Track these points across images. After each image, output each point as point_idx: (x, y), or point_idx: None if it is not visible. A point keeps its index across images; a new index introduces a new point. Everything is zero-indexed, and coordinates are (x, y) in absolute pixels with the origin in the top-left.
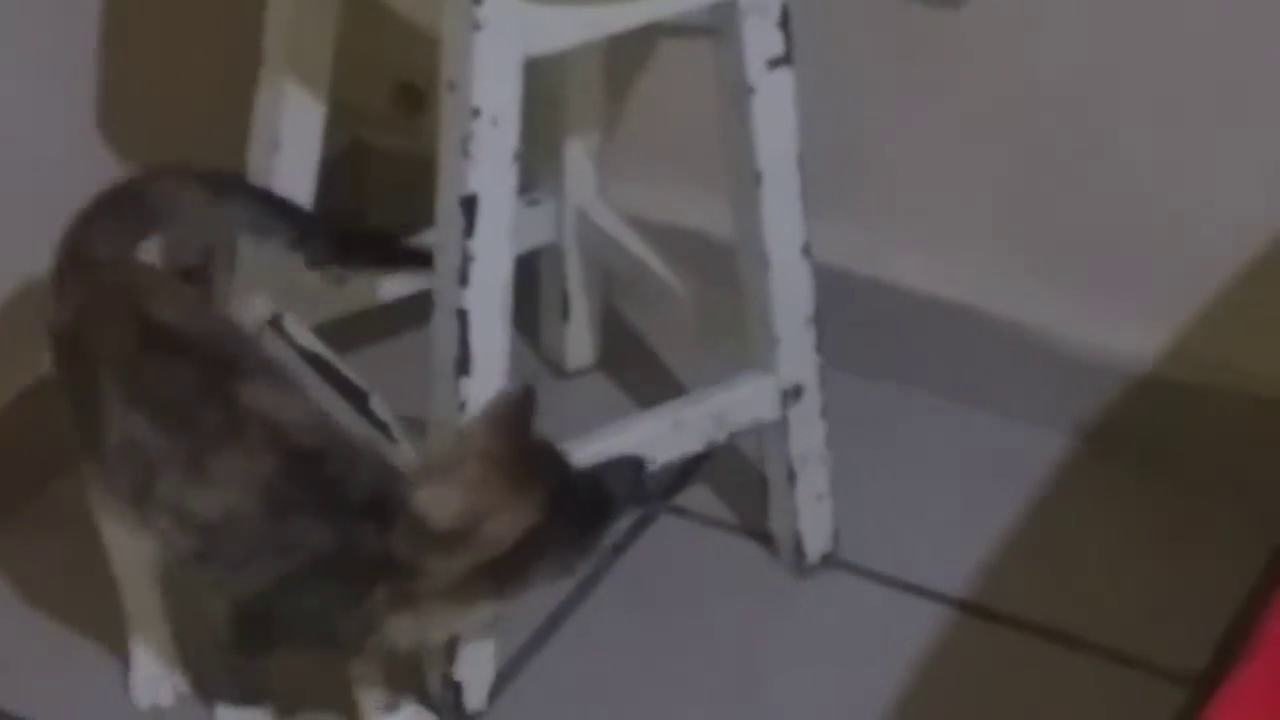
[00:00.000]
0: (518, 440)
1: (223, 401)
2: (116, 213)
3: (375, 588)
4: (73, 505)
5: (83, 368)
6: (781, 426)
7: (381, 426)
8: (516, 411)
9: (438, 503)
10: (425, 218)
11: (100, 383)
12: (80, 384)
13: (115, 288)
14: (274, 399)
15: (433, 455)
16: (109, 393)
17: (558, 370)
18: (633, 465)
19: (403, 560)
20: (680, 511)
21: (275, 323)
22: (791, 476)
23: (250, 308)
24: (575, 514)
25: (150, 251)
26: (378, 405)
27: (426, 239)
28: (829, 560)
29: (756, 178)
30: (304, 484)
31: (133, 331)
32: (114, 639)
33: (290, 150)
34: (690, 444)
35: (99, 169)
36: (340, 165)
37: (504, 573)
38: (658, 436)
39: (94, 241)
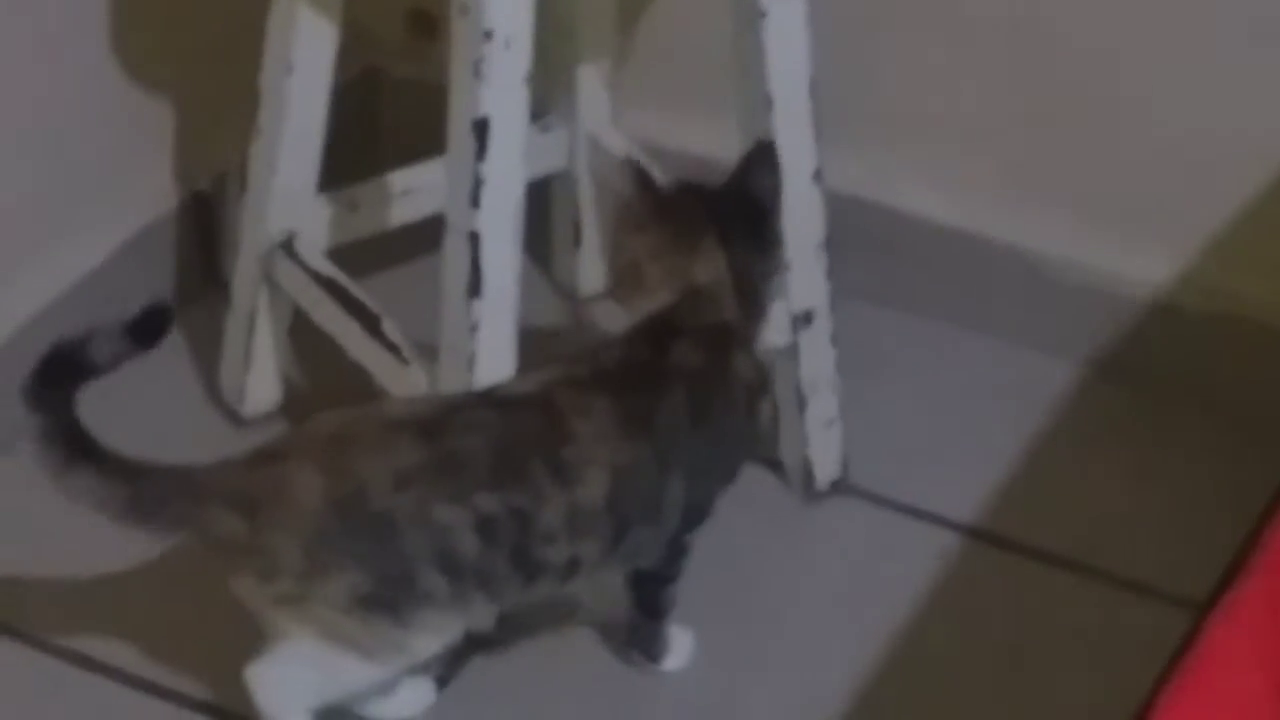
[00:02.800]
0: (665, 200)
1: None
2: None
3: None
4: None
5: None
6: (792, 352)
7: (393, 349)
8: (641, 180)
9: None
10: (438, 144)
11: None
12: None
13: None
14: None
15: (615, 268)
16: None
17: (570, 296)
18: (764, 151)
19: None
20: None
21: (288, 246)
22: (801, 402)
23: (263, 230)
24: (748, 225)
25: (163, 171)
26: (390, 328)
27: (439, 166)
28: (838, 486)
29: (768, 103)
30: None
31: None
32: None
33: (303, 74)
34: None
35: (110, 95)
36: (353, 92)
37: (745, 302)
38: None
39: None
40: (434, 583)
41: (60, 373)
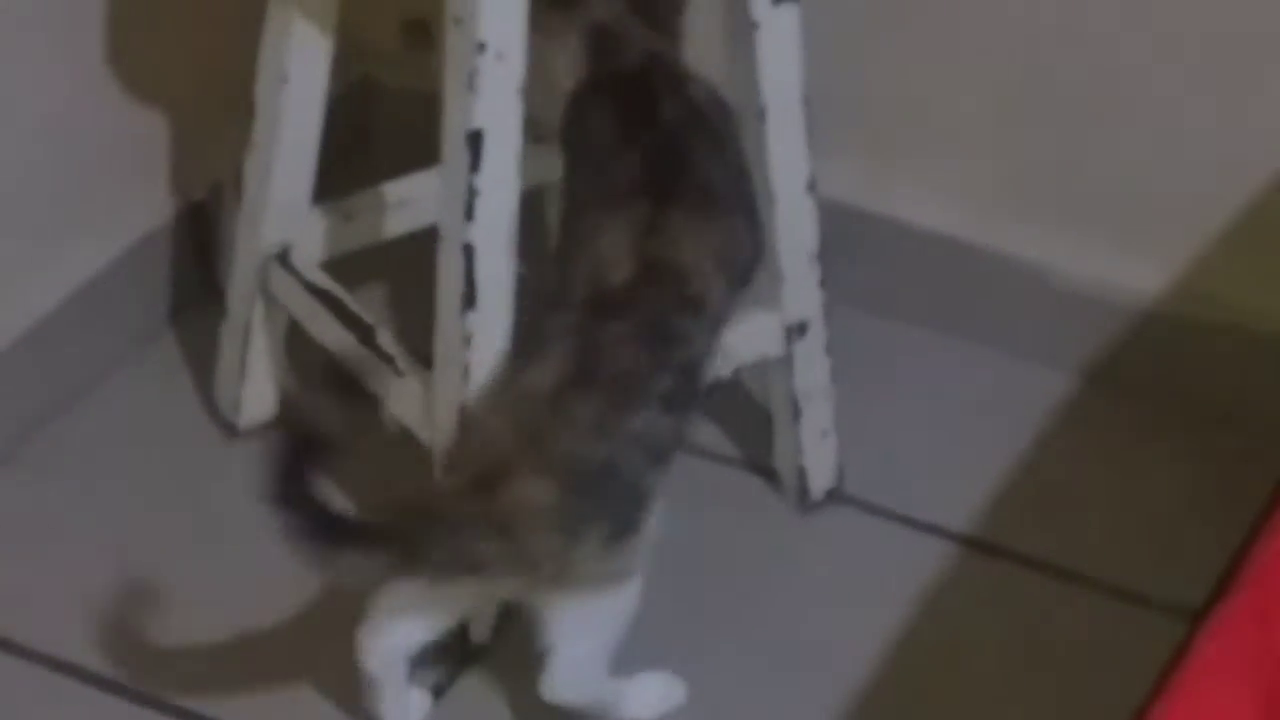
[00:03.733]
0: None
1: None
2: None
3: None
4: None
5: None
6: (786, 362)
7: (388, 360)
8: None
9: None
10: (431, 154)
11: None
12: None
13: None
14: None
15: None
16: None
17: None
18: None
19: None
20: (685, 447)
21: (283, 257)
22: (796, 412)
23: (258, 242)
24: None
25: (159, 182)
26: (384, 339)
27: (433, 176)
28: (833, 496)
29: (761, 114)
30: None
31: None
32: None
33: (298, 85)
34: None
35: (105, 107)
36: (347, 102)
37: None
38: None
39: None
40: (653, 478)
41: (298, 463)
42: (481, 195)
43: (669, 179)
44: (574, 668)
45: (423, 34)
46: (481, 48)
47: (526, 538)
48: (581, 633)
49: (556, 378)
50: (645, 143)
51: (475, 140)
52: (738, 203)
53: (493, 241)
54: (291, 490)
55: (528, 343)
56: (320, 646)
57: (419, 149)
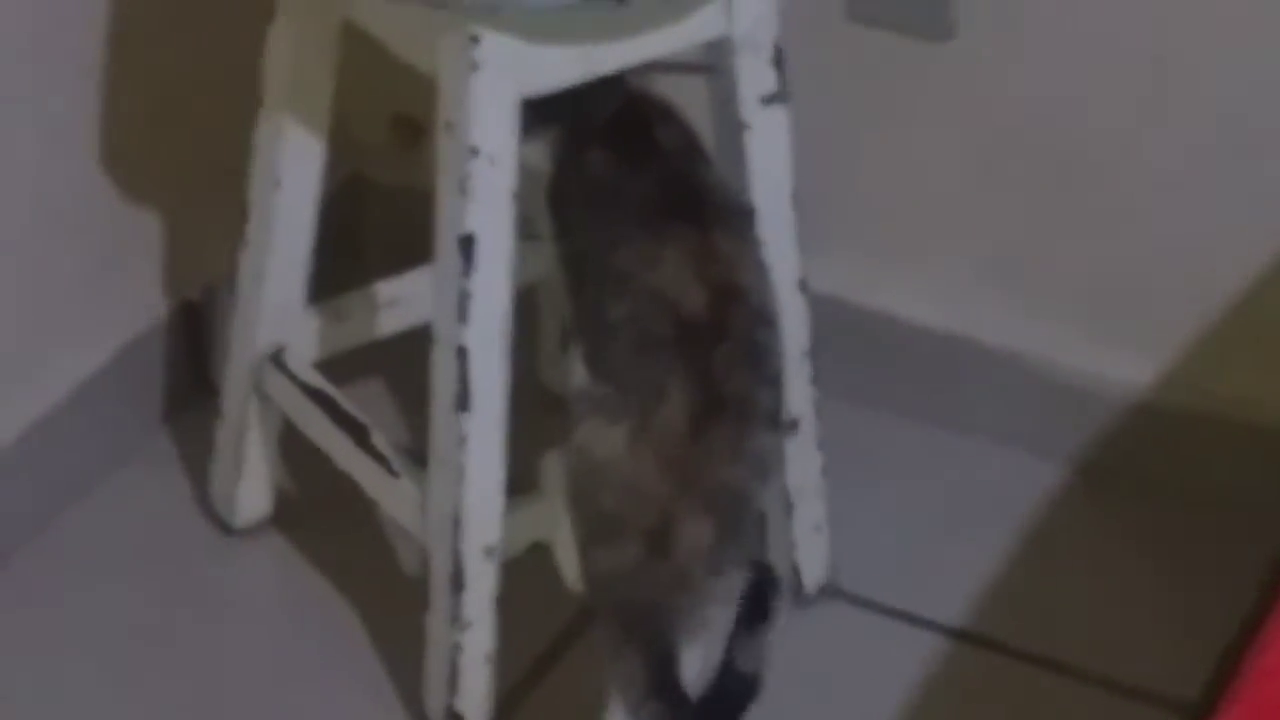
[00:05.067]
0: None
1: None
2: None
3: None
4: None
5: None
6: (780, 460)
7: (382, 460)
8: None
9: None
10: (423, 250)
11: None
12: None
13: None
14: None
15: None
16: None
17: (558, 401)
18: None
19: None
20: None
21: (277, 358)
22: (789, 508)
23: (252, 343)
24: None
25: (153, 282)
26: (378, 440)
27: (424, 275)
28: (826, 590)
29: (751, 209)
30: None
31: None
32: None
33: (291, 188)
34: None
35: (99, 206)
36: (338, 199)
37: None
38: None
39: None
40: (763, 502)
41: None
42: (474, 298)
43: (698, 203)
44: None
45: (412, 130)
46: (474, 152)
47: (702, 584)
48: None
49: (689, 410)
50: (656, 170)
51: (467, 244)
52: (751, 217)
53: (486, 343)
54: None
55: (604, 381)
56: None
57: (411, 245)
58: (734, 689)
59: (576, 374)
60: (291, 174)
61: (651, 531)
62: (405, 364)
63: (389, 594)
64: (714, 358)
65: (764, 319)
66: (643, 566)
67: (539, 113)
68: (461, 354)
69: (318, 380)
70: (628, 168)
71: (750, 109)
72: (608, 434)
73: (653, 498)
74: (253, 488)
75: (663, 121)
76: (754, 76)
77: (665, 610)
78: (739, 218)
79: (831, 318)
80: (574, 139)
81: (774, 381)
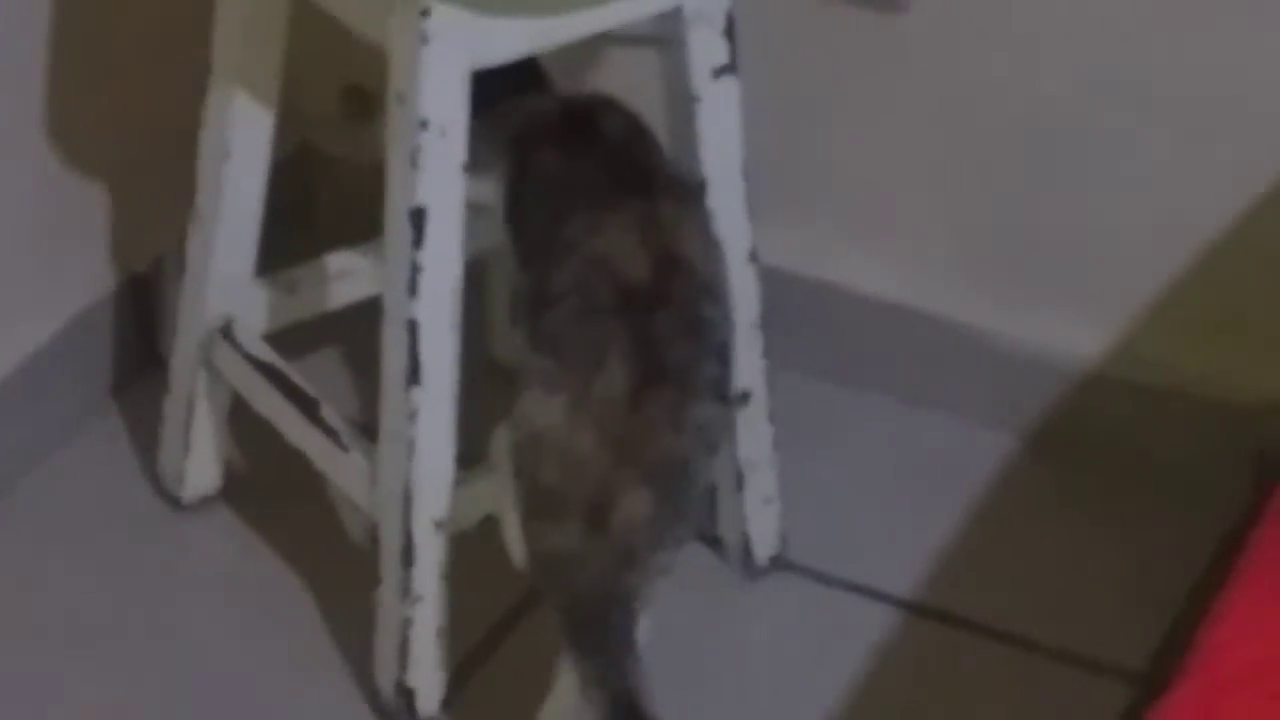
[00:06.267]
0: None
1: None
2: None
3: None
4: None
5: None
6: (729, 432)
7: (332, 434)
8: None
9: None
10: (374, 222)
11: None
12: None
13: None
14: None
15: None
16: None
17: (508, 374)
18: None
19: None
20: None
21: (226, 330)
22: (740, 480)
23: (200, 316)
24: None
25: (101, 254)
26: (328, 414)
27: (375, 248)
28: (777, 562)
29: (702, 186)
30: None
31: None
32: None
33: (240, 160)
34: None
35: (45, 181)
36: (287, 169)
37: None
38: None
39: None
40: (709, 474)
41: None
42: (425, 271)
43: (645, 178)
44: None
45: (363, 102)
46: (424, 124)
47: (645, 557)
48: None
49: (628, 381)
50: (602, 155)
51: (418, 217)
52: (699, 195)
53: (437, 317)
54: None
55: (546, 352)
56: (277, 711)
57: (361, 217)
58: None
59: (520, 346)
60: (241, 145)
61: (591, 504)
62: (355, 337)
63: (339, 569)
64: (654, 325)
65: (709, 292)
66: (584, 541)
67: (484, 135)
68: (412, 327)
69: (267, 353)
70: (574, 158)
71: (701, 81)
72: (547, 405)
73: (591, 469)
74: (201, 462)
75: (605, 113)
76: (705, 48)
77: (608, 588)
78: (686, 192)
79: (783, 290)
80: (521, 155)
81: (719, 354)
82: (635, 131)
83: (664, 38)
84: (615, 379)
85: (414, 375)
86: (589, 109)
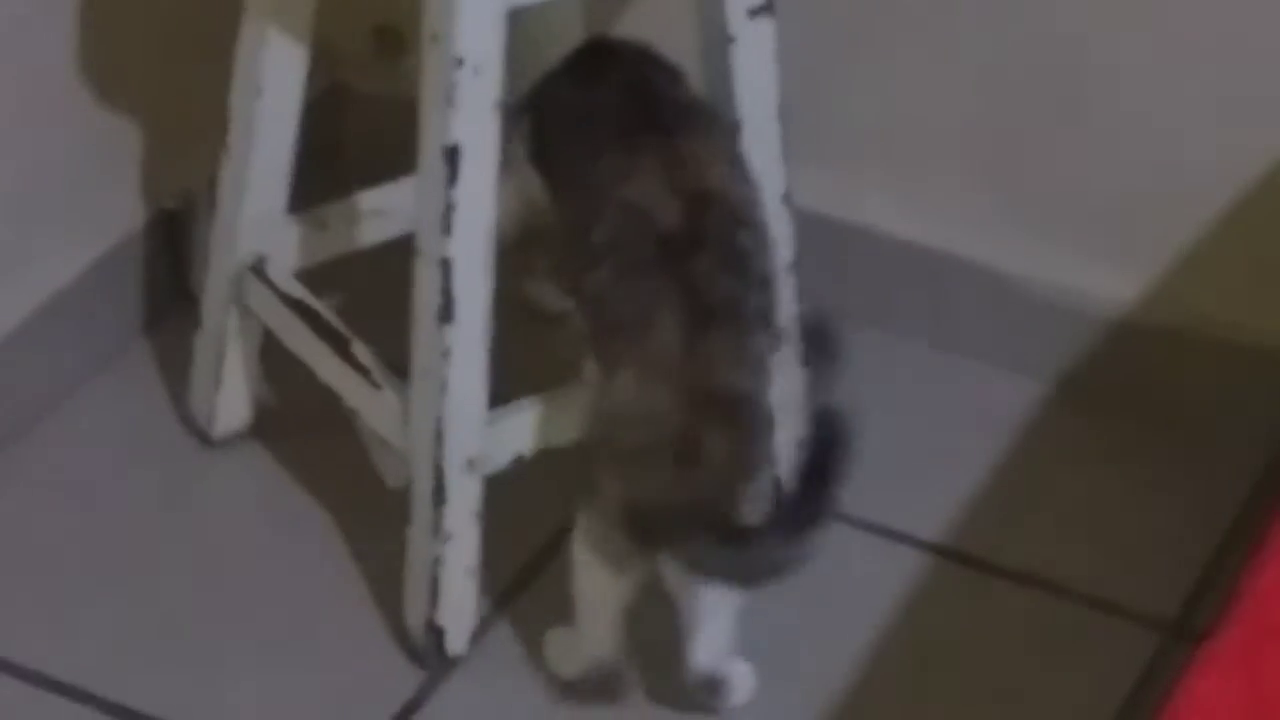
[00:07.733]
0: None
1: None
2: None
3: None
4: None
5: None
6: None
7: (364, 372)
8: None
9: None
10: (405, 160)
11: None
12: None
13: None
14: None
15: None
16: None
17: (541, 317)
18: None
19: None
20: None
21: (258, 268)
22: (771, 423)
23: (232, 252)
24: None
25: (132, 189)
26: (360, 351)
27: (407, 185)
28: None
29: (737, 126)
30: None
31: None
32: None
33: (272, 96)
34: None
35: (78, 114)
36: (319, 107)
37: None
38: None
39: None
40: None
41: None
42: (459, 209)
43: (664, 113)
44: (716, 638)
45: (394, 40)
46: (459, 62)
47: (741, 493)
48: (723, 602)
49: (681, 329)
50: (616, 82)
51: (452, 155)
52: (715, 117)
53: (470, 255)
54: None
55: (595, 318)
56: (306, 648)
57: (392, 155)
58: (830, 433)
59: (570, 311)
60: (273, 82)
61: (678, 451)
62: (387, 275)
63: (369, 506)
64: (695, 269)
65: (742, 221)
66: (680, 478)
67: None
68: (445, 266)
69: (299, 290)
70: (590, 86)
71: (738, 21)
72: (613, 387)
73: (670, 423)
74: (232, 398)
75: (620, 48)
76: None
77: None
78: (707, 121)
79: (814, 232)
80: (544, 96)
81: (762, 283)
82: (645, 54)
83: None
84: (669, 333)
85: (447, 313)
86: (607, 45)
